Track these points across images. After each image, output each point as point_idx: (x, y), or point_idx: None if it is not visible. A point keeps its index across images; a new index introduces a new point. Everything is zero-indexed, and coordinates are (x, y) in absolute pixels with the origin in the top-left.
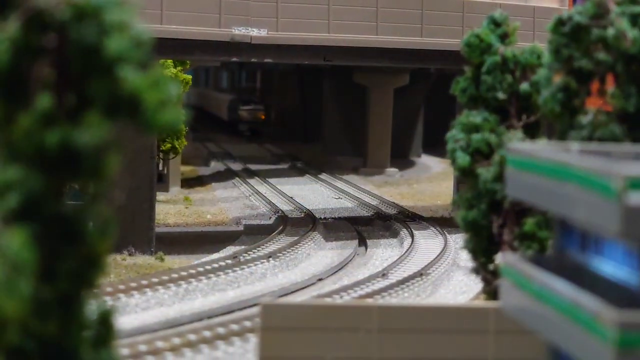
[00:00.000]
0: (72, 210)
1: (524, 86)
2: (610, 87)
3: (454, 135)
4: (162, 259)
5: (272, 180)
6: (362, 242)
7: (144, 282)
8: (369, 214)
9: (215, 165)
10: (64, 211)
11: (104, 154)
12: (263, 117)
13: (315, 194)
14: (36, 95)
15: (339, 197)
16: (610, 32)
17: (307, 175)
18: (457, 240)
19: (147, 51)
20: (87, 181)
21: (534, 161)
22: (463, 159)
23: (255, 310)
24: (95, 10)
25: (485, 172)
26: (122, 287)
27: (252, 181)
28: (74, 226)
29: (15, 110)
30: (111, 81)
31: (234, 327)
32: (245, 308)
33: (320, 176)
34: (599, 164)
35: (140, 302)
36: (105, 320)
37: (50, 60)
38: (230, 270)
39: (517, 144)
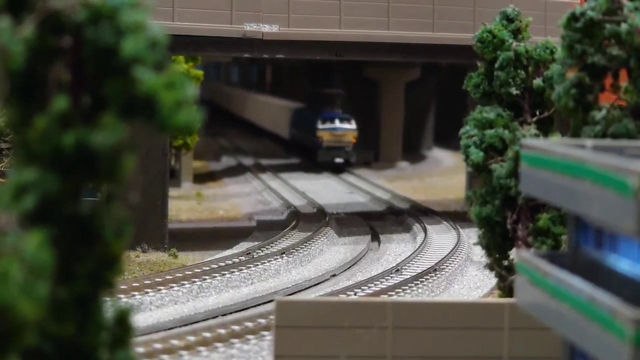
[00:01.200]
0: (88, 211)
1: (537, 82)
2: (624, 82)
3: (468, 131)
4: (175, 256)
5: (284, 175)
6: (375, 237)
7: (158, 279)
8: (381, 209)
9: (227, 161)
10: (81, 212)
11: (120, 155)
12: (355, 140)
13: (327, 188)
14: (52, 96)
15: (351, 192)
16: (624, 27)
17: (319, 169)
18: (470, 234)
19: (162, 52)
20: (103, 182)
21: (548, 158)
22: (477, 155)
23: (269, 307)
24: (111, 12)
25: (499, 168)
26: (136, 284)
27: (264, 176)
28: (91, 227)
29: (31, 112)
30: (127, 82)
31: (249, 324)
32: (259, 305)
33: (331, 170)
34: (615, 161)
35: (155, 300)
36: (122, 320)
37: (66, 62)
38: (243, 267)
39: (531, 140)
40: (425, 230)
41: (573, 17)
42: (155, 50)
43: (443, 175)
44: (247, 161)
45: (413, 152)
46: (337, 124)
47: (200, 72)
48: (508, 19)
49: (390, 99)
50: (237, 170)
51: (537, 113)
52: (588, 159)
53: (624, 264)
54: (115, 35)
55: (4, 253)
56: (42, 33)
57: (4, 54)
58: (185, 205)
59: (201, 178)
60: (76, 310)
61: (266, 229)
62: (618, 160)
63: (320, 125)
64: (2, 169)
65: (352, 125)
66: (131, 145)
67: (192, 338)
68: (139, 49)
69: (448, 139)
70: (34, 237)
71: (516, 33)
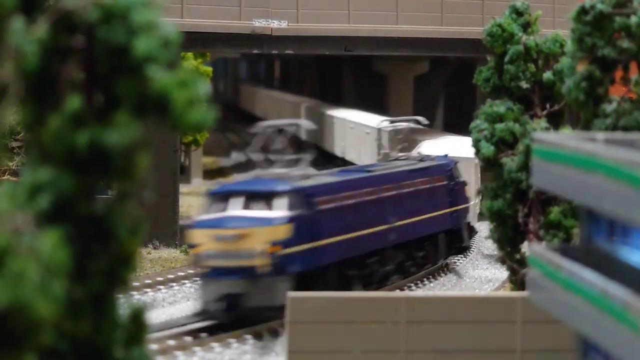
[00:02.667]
0: (102, 209)
1: (547, 75)
2: (634, 74)
3: (478, 125)
4: (187, 252)
5: None
6: None
7: (170, 276)
8: None
9: (236, 156)
10: (95, 211)
11: (133, 154)
12: (274, 248)
13: None
14: (66, 96)
15: None
16: (634, 20)
17: (329, 164)
18: (480, 227)
19: (174, 50)
20: (117, 181)
21: (560, 152)
22: (487, 149)
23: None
24: (123, 11)
25: (510, 161)
26: (148, 281)
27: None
28: (105, 225)
29: (45, 112)
30: (139, 81)
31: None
32: None
33: (341, 165)
34: (627, 154)
35: (167, 297)
36: (137, 318)
37: (79, 61)
38: None
39: (542, 134)
40: None
41: (583, 11)
42: (167, 49)
43: None
44: (257, 157)
45: None
46: (236, 208)
47: (209, 69)
48: (517, 13)
49: (399, 92)
50: (246, 166)
51: (548, 106)
52: (600, 153)
53: (636, 257)
54: (127, 35)
55: (20, 253)
56: (55, 33)
57: (18, 55)
58: (196, 201)
59: (211, 174)
60: (91, 309)
61: None
62: (630, 154)
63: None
64: (14, 167)
65: (279, 209)
66: (145, 144)
67: (205, 334)
68: (151, 48)
69: (457, 132)
70: (49, 237)
71: (526, 26)
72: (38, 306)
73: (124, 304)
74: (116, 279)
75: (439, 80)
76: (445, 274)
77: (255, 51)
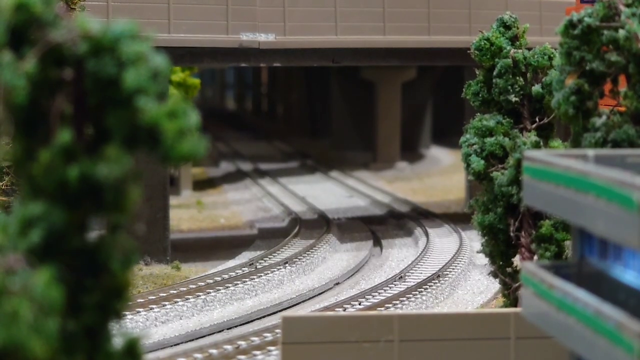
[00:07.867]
0: (95, 242)
1: (536, 88)
2: (623, 87)
3: (468, 139)
4: (178, 268)
5: (283, 180)
6: (377, 242)
7: (163, 294)
8: (382, 213)
9: (226, 166)
10: (87, 244)
11: (125, 187)
12: None
13: (326, 193)
14: (55, 129)
15: (351, 196)
16: (622, 33)
17: (318, 173)
18: (471, 237)
19: (164, 82)
20: (109, 214)
21: (551, 170)
22: (477, 163)
23: (274, 319)
24: (112, 43)
25: (500, 175)
26: (141, 300)
27: (263, 182)
28: (98, 258)
29: (35, 146)
30: (130, 112)
31: (255, 339)
32: (264, 317)
33: (330, 174)
34: (619, 175)
35: (160, 316)
36: (131, 349)
37: (68, 94)
38: (247, 279)
39: (533, 151)
40: (426, 234)
41: (570, 24)
42: (157, 80)
43: (442, 174)
44: (246, 166)
45: (411, 151)
46: None
47: (197, 81)
48: (505, 26)
49: (387, 99)
50: (236, 176)
51: (537, 119)
52: (592, 173)
53: (629, 276)
54: (116, 67)
55: (13, 292)
56: (43, 66)
57: (7, 90)
58: (186, 214)
59: (200, 185)
60: (85, 342)
61: (268, 237)
62: (622, 175)
63: None
64: (3, 187)
65: None
66: (135, 176)
67: (199, 355)
68: (141, 80)
69: (446, 137)
70: (42, 274)
71: (514, 40)
72: (32, 346)
73: (118, 336)
74: (110, 312)
75: (427, 85)
76: (438, 286)
77: (243, 64)
